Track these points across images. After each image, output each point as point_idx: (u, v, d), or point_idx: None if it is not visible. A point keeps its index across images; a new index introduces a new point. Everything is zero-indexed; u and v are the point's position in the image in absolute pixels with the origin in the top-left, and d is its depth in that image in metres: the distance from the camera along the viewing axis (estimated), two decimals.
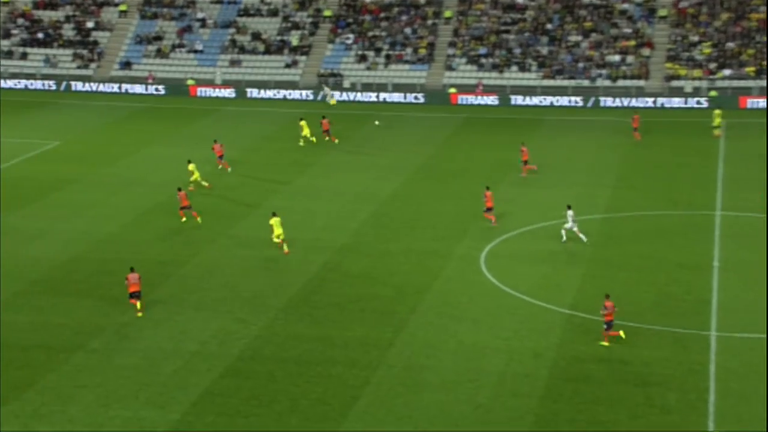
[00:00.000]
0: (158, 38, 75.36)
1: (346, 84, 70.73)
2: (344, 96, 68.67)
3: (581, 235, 38.29)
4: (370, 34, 73.89)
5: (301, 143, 54.32)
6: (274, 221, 37.74)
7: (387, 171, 49.57)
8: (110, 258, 37.26)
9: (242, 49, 74.02)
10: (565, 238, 38.35)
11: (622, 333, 30.06)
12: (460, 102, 67.08)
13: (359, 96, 68.65)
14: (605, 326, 29.80)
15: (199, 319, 31.94)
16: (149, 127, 60.32)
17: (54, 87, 70.45)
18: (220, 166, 49.17)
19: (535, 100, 66.04)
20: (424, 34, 73.31)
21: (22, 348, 29.37)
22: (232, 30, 75.61)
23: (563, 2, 73.36)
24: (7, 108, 63.96)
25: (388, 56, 72.08)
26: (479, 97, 66.93)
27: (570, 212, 38.60)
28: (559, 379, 28.06)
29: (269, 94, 68.86)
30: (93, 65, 73.70)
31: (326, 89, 67.50)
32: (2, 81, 70.68)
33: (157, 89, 70.43)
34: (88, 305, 32.68)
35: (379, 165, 50.90)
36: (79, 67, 73.39)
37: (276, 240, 37.55)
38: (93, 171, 49.30)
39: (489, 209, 40.75)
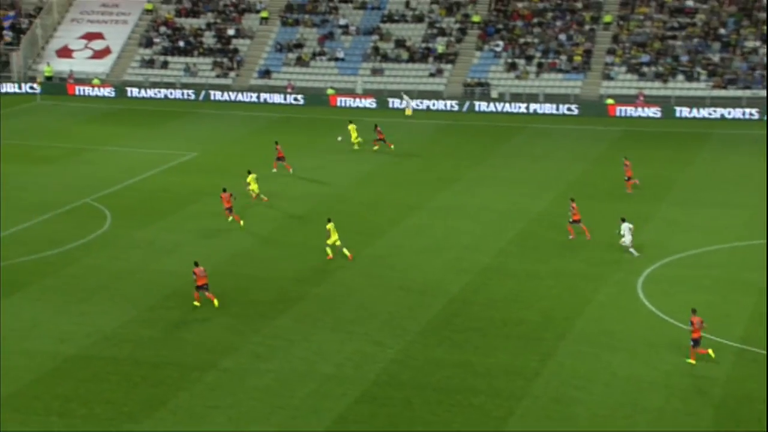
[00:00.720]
0: (299, 46, 76.96)
1: (494, 94, 70.37)
2: (491, 107, 68.33)
3: (633, 250, 38.34)
4: (522, 40, 73.36)
5: (356, 147, 55.90)
6: (330, 227, 38.85)
7: (536, 188, 48.95)
8: (244, 274, 38.08)
9: (385, 57, 74.76)
10: (635, 253, 38.49)
11: (711, 352, 29.76)
12: (618, 114, 65.73)
13: (507, 107, 68.18)
14: (692, 343, 29.77)
15: (334, 340, 32.21)
16: (287, 138, 61.50)
17: (193, 96, 72.88)
18: (275, 169, 51.52)
19: (704, 113, 64.08)
20: (581, 41, 72.25)
21: (155, 365, 30.27)
22: (374, 37, 76.49)
23: (740, 4, 70.95)
24: (147, 118, 66.54)
25: (540, 64, 71.37)
26: (640, 109, 65.42)
27: (625, 224, 38.53)
28: (726, 419, 26.91)
29: (412, 104, 69.18)
30: (232, 74, 75.90)
31: (405, 98, 67.66)
32: (143, 90, 73.62)
33: (296, 99, 71.90)
34: (221, 322, 33.44)
35: (528, 181, 50.32)
36: (218, 76, 75.71)
37: (328, 248, 38.63)
38: (229, 183, 50.58)
39: (575, 221, 40.63)
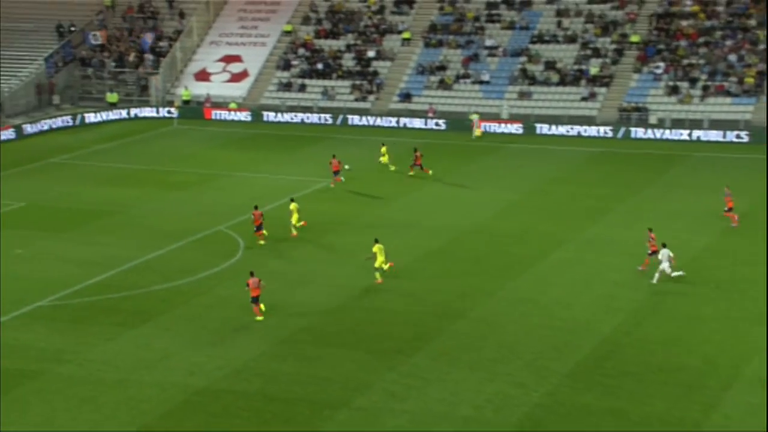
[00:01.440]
0: (441, 68, 77.29)
1: (653, 119, 68.96)
2: (649, 133, 66.97)
3: (676, 274, 39.09)
4: (685, 62, 71.76)
5: (392, 168, 57.90)
6: (377, 248, 39.93)
7: (698, 222, 47.58)
8: (379, 307, 38.18)
9: (533, 80, 74.29)
10: (655, 280, 39.00)
11: None
12: None
13: (667, 134, 66.71)
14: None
15: (473, 380, 31.88)
16: (427, 165, 61.67)
17: (330, 121, 73.96)
18: (332, 185, 54.51)
19: None
20: (753, 62, 70.12)
21: (286, 401, 30.57)
22: (522, 59, 76.15)
23: None
24: (282, 143, 67.87)
25: (705, 87, 69.64)
26: None
27: (665, 251, 38.86)
28: None
29: (561, 130, 68.51)
30: (371, 97, 76.75)
31: (475, 119, 67.81)
32: (280, 114, 75.19)
33: (437, 123, 72.11)
34: (354, 358, 33.57)
35: (689, 214, 48.97)
36: (356, 100, 76.68)
37: (377, 272, 39.79)
38: (365, 212, 51.04)
39: (653, 253, 40.32)
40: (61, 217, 49.18)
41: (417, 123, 72.46)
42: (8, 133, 67.97)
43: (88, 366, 32.67)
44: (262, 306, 36.77)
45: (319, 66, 79.44)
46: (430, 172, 57.04)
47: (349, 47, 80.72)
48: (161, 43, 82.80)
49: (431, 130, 71.68)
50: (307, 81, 78.83)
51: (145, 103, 78.59)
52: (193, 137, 68.04)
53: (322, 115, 74.37)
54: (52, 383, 31.39)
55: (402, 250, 44.67)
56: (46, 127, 70.82)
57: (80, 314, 37.06)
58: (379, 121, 72.99)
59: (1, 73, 78.22)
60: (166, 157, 63.10)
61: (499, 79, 75.49)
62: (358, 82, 77.73)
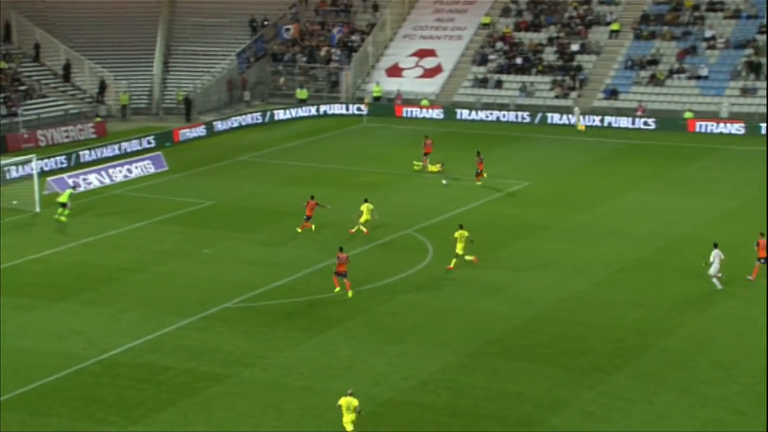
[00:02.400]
0: (653, 62, 75.58)
1: None
2: None
3: (716, 281, 39.18)
4: None
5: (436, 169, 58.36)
6: (458, 234, 41.82)
7: None
8: (577, 321, 37.61)
9: (758, 75, 71.60)
10: (719, 285, 39.23)
11: None
12: None
13: None
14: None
15: (682, 404, 30.96)
16: (634, 168, 60.41)
17: (528, 119, 73.47)
18: (421, 165, 58.23)
19: None
20: None
21: (474, 416, 30.50)
22: (748, 51, 73.53)
23: None
24: (476, 142, 67.89)
25: None
26: None
27: (716, 251, 39.22)
28: None
29: (582, 120, 66.56)
30: (573, 94, 75.80)
31: (576, 111, 66.76)
32: (474, 112, 75.25)
33: (646, 123, 70.56)
34: (549, 374, 33.18)
35: None
36: (557, 97, 75.91)
37: (454, 259, 41.68)
38: (564, 217, 50.42)
39: (762, 259, 40.17)
40: (248, 217, 50.73)
41: (623, 122, 71.12)
42: (199, 131, 70.64)
43: (272, 371, 33.52)
44: (346, 282, 39.47)
45: (518, 60, 79.06)
46: (480, 180, 55.88)
47: (551, 40, 80.00)
48: (353, 37, 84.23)
49: (639, 129, 70.20)
50: (504, 77, 78.59)
51: (335, 100, 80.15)
52: (382, 135, 68.92)
53: (519, 113, 73.97)
54: (237, 387, 32.36)
55: (605, 259, 43.89)
56: (236, 125, 73.24)
57: (266, 317, 38.09)
58: (580, 120, 71.99)
59: (194, 69, 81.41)
60: (354, 156, 64.16)
61: (719, 74, 73.20)
62: (559, 78, 76.93)
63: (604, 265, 43.15)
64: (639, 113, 71.79)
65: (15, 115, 69.89)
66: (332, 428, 29.89)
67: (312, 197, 48.26)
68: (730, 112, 70.03)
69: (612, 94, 74.68)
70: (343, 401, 29.25)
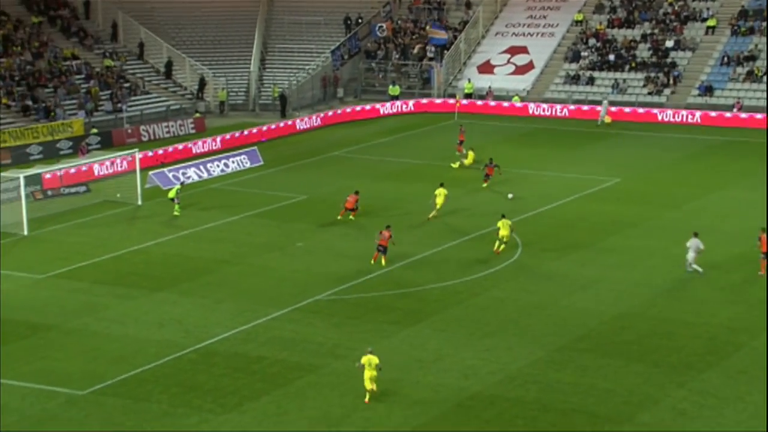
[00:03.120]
0: (751, 58, 74.02)
1: None
2: None
3: (695, 267, 39.88)
4: None
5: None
6: (501, 223, 43.18)
7: None
8: (668, 318, 37.06)
9: None
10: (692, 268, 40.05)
11: None
12: None
13: None
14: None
15: None
16: (727, 165, 59.31)
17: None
18: (458, 153, 59.46)
19: None
20: None
21: (563, 411, 30.27)
22: None
23: None
24: (567, 139, 67.33)
25: None
26: None
27: (694, 240, 39.80)
28: None
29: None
30: (667, 91, 74.66)
31: (604, 104, 68.09)
32: (565, 108, 74.57)
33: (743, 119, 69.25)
34: (639, 371, 32.75)
35: None
36: (650, 93, 74.84)
37: (497, 242, 43.09)
38: (655, 214, 49.70)
39: (765, 254, 39.89)
40: (336, 212, 51.00)
41: (719, 119, 69.86)
42: (293, 126, 71.24)
43: None
44: (383, 259, 41.97)
45: (611, 57, 78.12)
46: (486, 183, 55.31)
47: (644, 37, 78.89)
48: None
49: (736, 127, 68.83)
50: (596, 73, 77.74)
51: (427, 96, 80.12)
52: (473, 131, 68.60)
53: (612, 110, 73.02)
54: (328, 378, 32.57)
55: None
56: (329, 121, 73.65)
57: (356, 310, 38.28)
58: (675, 117, 70.90)
59: (290, 66, 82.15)
60: (445, 151, 64.09)
61: None
62: (653, 74, 75.83)
63: (696, 262, 42.44)
64: (736, 110, 70.36)
65: (120, 111, 71.26)
66: (422, 421, 29.94)
67: (356, 192, 49.48)
68: None
69: (707, 90, 73.34)
70: (365, 359, 30.71)
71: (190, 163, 59.68)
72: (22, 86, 69.26)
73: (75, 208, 52.16)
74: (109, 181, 56.12)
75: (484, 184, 55.09)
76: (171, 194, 51.13)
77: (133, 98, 73.64)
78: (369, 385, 30.58)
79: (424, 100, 78.08)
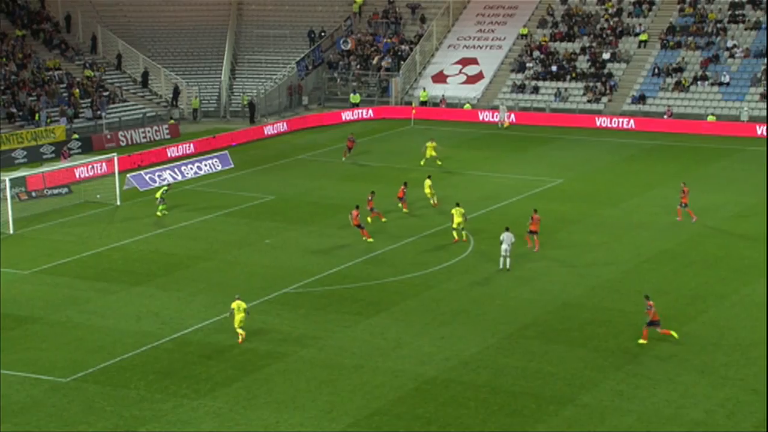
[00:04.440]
0: (678, 70, 74.68)
1: None
2: None
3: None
4: None
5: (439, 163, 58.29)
6: (455, 211, 43.14)
7: None
8: (607, 307, 37.28)
9: None
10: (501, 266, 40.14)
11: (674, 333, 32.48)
12: None
13: None
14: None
15: (703, 383, 30.61)
16: (659, 166, 59.83)
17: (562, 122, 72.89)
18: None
19: None
20: None
21: (512, 394, 30.36)
22: (766, 59, 72.47)
23: None
24: (513, 143, 67.51)
25: None
26: None
27: (506, 233, 40.66)
28: None
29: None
30: (604, 99, 75.12)
31: (502, 109, 69.52)
32: (512, 115, 74.74)
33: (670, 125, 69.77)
34: (581, 356, 32.92)
35: None
36: (589, 101, 75.27)
37: (454, 231, 42.96)
38: (595, 211, 49.99)
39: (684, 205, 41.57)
40: (306, 211, 50.86)
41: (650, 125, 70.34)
42: (261, 132, 70.93)
43: (327, 351, 33.59)
44: (363, 231, 44.37)
45: (553, 68, 78.49)
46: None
47: (584, 49, 79.34)
48: (402, 47, 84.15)
49: (665, 132, 69.40)
50: (540, 83, 78.06)
51: (385, 104, 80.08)
52: (428, 137, 68.57)
53: (553, 116, 73.32)
54: (295, 365, 32.46)
55: (632, 250, 43.50)
56: (295, 126, 73.41)
57: (321, 302, 38.16)
58: (611, 123, 71.32)
59: (258, 76, 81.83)
60: (401, 155, 64.10)
61: (739, 81, 72.12)
62: (591, 84, 76.26)
63: (632, 255, 42.73)
64: (666, 117, 70.93)
65: (99, 117, 70.70)
66: (381, 404, 29.90)
67: (372, 192, 48.92)
68: (750, 116, 68.97)
69: (640, 99, 73.88)
70: (234, 304, 34.23)
71: (165, 166, 59.25)
72: (7, 95, 68.46)
73: (58, 209, 51.63)
74: (90, 183, 55.60)
75: (343, 158, 57.31)
76: (158, 194, 50.65)
77: (112, 106, 73.07)
78: (238, 325, 33.86)
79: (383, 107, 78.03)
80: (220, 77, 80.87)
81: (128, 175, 56.18)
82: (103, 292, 39.40)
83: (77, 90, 72.05)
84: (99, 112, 70.91)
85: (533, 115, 74.12)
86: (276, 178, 58.55)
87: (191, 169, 59.41)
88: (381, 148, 66.96)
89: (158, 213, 49.91)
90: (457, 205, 44.73)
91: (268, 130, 71.56)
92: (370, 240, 44.55)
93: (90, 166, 57.06)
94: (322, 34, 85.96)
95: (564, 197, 53.01)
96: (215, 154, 61.97)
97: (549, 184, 55.85)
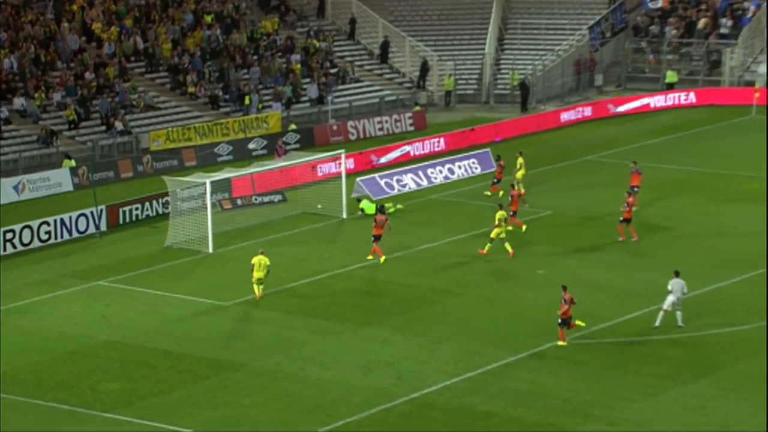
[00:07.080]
0: None
1: None
2: None
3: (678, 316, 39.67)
4: None
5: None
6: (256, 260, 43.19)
7: None
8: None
9: None
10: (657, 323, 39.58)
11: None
12: None
13: None
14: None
15: None
16: None
17: None
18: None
19: None
20: None
21: None
22: None
23: None
24: None
25: None
26: None
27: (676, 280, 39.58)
28: None
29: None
30: None
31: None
32: None
33: None
34: None
35: None
36: None
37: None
38: None
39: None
40: (592, 232, 50.62)
41: None
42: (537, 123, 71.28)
43: (621, 426, 33.20)
44: (376, 247, 46.86)
45: None
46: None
47: None
48: (744, 3, 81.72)
49: None
50: None
51: (715, 84, 78.48)
52: None
53: None
54: None
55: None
56: (581, 115, 73.28)
57: (614, 358, 37.91)
58: None
59: (534, 46, 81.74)
60: (734, 157, 62.76)
61: None
62: None
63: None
64: None
65: (323, 102, 72.63)
66: None
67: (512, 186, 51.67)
68: None
69: None
70: (255, 259, 42.07)
71: (406, 167, 60.44)
72: (211, 67, 71.17)
73: (268, 221, 53.71)
74: (310, 188, 57.26)
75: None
76: (369, 210, 52.07)
77: (341, 87, 75.20)
78: (257, 279, 42.12)
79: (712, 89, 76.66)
80: (483, 49, 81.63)
81: (358, 179, 57.65)
82: (323, 333, 40.69)
83: (298, 65, 74.45)
84: (324, 96, 73.01)
85: None
86: (556, 186, 58.61)
87: (440, 172, 60.36)
88: (706, 147, 65.78)
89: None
90: (500, 207, 48.27)
91: (546, 120, 71.82)
92: (381, 260, 46.97)
93: (310, 167, 58.60)
94: None
95: None
96: (473, 152, 62.70)
97: None
